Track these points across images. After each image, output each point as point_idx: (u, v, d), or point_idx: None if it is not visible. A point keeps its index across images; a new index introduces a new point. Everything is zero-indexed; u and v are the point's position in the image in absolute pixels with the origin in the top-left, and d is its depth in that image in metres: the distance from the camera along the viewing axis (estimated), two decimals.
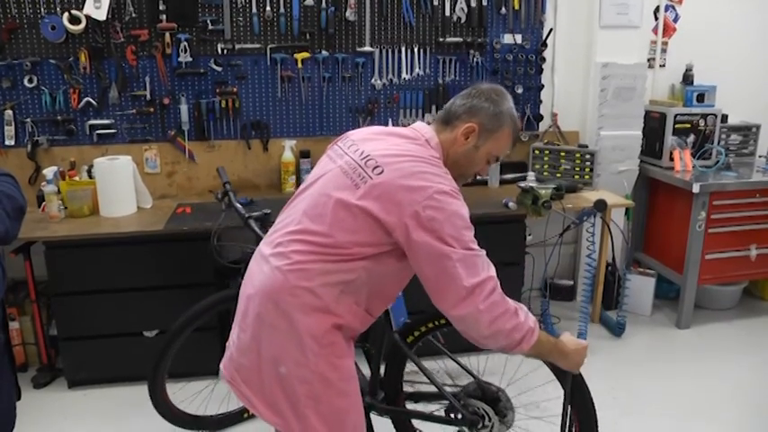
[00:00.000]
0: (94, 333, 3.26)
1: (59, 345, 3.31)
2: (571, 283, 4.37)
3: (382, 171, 1.63)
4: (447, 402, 2.18)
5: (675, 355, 3.70)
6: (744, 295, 4.35)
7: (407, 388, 2.39)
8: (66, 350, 3.29)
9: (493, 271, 1.63)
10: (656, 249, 4.33)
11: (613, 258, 4.07)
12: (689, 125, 4.06)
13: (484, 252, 1.64)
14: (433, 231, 1.57)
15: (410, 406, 2.40)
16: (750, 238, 3.93)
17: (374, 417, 2.37)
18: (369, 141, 1.78)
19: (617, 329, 3.86)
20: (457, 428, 2.21)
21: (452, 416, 2.18)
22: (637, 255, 4.44)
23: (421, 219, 1.57)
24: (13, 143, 3.60)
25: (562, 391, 1.95)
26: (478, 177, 1.82)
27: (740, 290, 4.29)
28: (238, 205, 2.83)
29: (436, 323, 2.21)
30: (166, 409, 2.83)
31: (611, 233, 3.81)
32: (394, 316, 2.26)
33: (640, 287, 4.08)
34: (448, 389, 2.22)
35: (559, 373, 1.96)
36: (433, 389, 2.22)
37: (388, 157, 1.67)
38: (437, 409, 2.27)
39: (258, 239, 2.69)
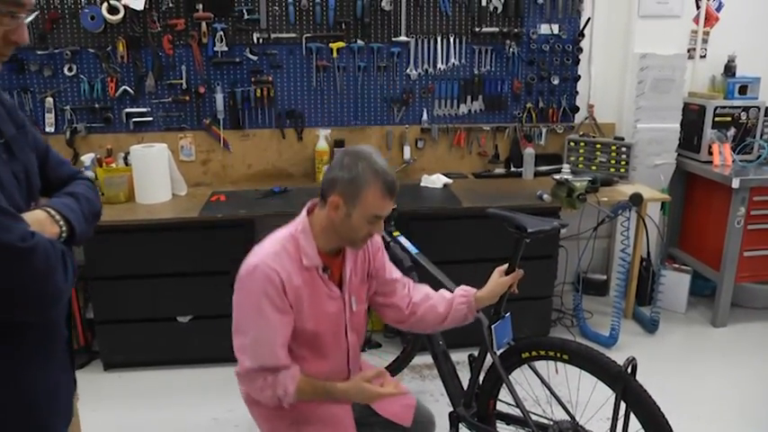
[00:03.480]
0: (130, 317, 3.32)
1: (96, 328, 3.38)
2: (604, 277, 4.31)
3: None
4: None
5: (710, 353, 3.63)
6: None
7: (502, 407, 2.32)
8: (103, 333, 3.36)
9: (257, 361, 1.77)
10: (692, 245, 4.24)
11: (648, 253, 4.01)
12: (729, 118, 3.97)
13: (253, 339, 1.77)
14: None
15: (501, 426, 2.32)
16: None
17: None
18: None
19: (650, 326, 3.80)
20: None
21: None
22: (672, 250, 4.37)
23: None
24: (52, 130, 3.67)
25: None
26: (382, 235, 1.83)
27: None
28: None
29: (547, 353, 2.13)
30: None
31: (646, 228, 3.75)
32: (497, 336, 2.18)
33: (675, 283, 4.01)
34: (543, 420, 2.15)
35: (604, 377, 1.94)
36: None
37: None
38: None
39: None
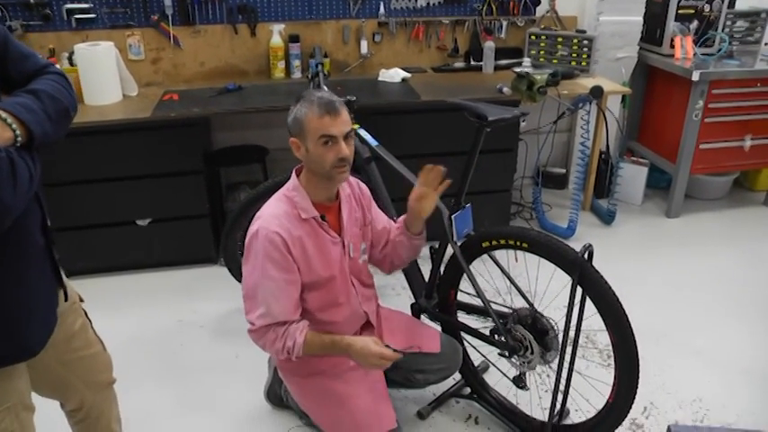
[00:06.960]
0: (87, 223, 3.26)
1: (53, 235, 3.30)
2: (564, 171, 4.37)
3: None
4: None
5: (664, 242, 3.76)
6: (734, 186, 4.37)
7: (463, 298, 2.35)
8: (61, 240, 3.26)
9: (267, 318, 1.86)
10: (650, 138, 4.29)
11: (607, 147, 4.04)
12: (693, 11, 3.91)
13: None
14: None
15: (462, 316, 2.36)
16: (746, 129, 3.88)
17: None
18: None
19: (607, 217, 3.89)
20: (498, 351, 2.19)
21: (496, 337, 2.17)
22: (631, 144, 4.41)
23: None
24: None
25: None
26: (341, 158, 1.80)
27: (730, 180, 4.31)
28: (325, 88, 2.74)
29: (507, 242, 2.13)
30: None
31: (606, 121, 3.76)
32: (457, 226, 2.18)
33: (633, 176, 4.08)
34: (503, 309, 2.19)
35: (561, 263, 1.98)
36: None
37: None
38: (485, 326, 2.23)
39: None
